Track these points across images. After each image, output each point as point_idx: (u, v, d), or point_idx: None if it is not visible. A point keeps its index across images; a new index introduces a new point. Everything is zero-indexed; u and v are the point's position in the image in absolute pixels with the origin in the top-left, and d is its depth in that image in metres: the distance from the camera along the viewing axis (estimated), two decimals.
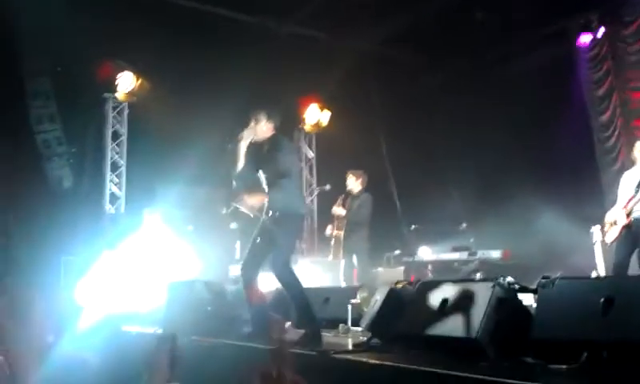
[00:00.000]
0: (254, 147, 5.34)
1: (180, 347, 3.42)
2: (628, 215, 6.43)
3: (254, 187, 5.38)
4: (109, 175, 10.16)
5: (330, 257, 8.42)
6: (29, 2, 8.37)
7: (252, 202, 5.22)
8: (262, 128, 5.34)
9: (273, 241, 5.13)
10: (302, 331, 5.06)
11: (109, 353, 5.73)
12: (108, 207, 10.04)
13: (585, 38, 10.45)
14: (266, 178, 5.28)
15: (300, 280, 5.27)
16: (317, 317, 5.23)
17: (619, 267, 6.33)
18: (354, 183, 8.42)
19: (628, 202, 6.45)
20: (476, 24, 10.07)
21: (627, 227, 6.43)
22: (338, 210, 8.35)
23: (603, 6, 10.08)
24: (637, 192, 6.40)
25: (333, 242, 8.34)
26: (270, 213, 5.21)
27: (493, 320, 3.72)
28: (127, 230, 9.26)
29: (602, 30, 10.23)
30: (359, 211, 8.25)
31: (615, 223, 6.56)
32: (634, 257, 6.43)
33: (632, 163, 6.82)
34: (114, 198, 10.18)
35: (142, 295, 7.97)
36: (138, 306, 7.59)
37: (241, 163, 5.27)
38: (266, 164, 5.28)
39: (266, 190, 5.27)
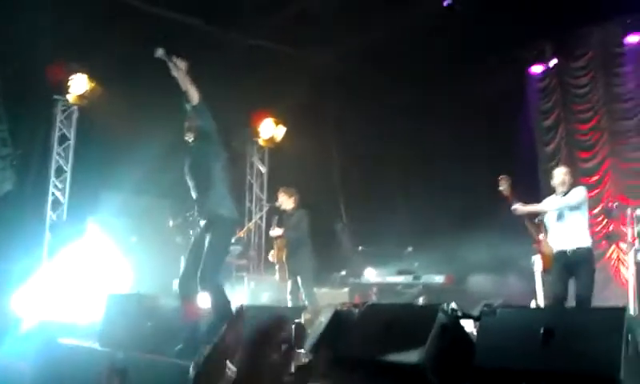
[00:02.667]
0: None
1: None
2: (556, 245, 6.39)
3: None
4: (52, 180, 9.84)
5: (277, 276, 8.27)
6: None
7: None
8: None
9: (201, 249, 5.06)
10: None
11: (43, 364, 5.54)
12: (49, 213, 9.71)
13: (536, 69, 10.75)
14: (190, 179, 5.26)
15: (225, 295, 5.16)
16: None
17: (559, 300, 6.30)
18: (286, 201, 8.23)
19: (556, 235, 6.41)
20: (434, 46, 10.21)
21: (559, 258, 6.38)
22: (275, 232, 8.17)
23: (557, 37, 10.37)
24: (562, 222, 6.35)
25: (277, 266, 8.15)
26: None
27: (436, 347, 3.70)
28: (68, 238, 8.98)
29: (554, 60, 10.53)
30: (297, 228, 8.07)
31: (546, 254, 6.53)
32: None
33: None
34: (56, 203, 9.86)
35: (81, 306, 7.73)
36: (75, 318, 7.34)
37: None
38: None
39: None
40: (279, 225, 8.21)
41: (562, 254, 6.34)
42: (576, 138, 10.46)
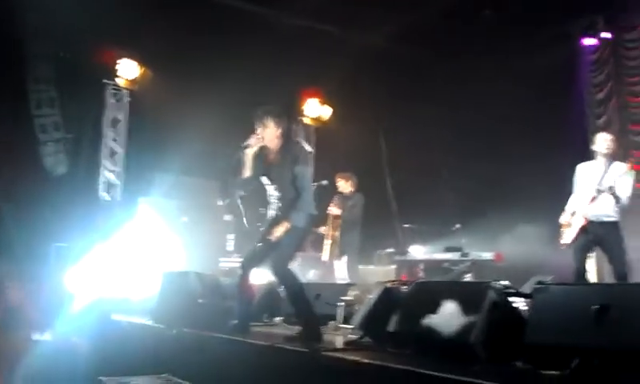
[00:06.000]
0: (261, 154, 5.21)
1: None
2: (585, 217, 6.14)
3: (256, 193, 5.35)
4: (105, 162, 10.10)
5: (325, 256, 8.48)
6: None
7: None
8: (270, 134, 5.16)
9: (275, 245, 5.06)
10: (299, 328, 5.02)
11: (98, 339, 5.74)
12: (103, 194, 9.98)
13: (588, 41, 10.46)
14: (277, 188, 5.19)
15: (299, 279, 5.23)
16: (316, 313, 5.18)
17: (580, 273, 6.14)
18: (344, 185, 8.56)
19: (588, 204, 6.14)
20: (481, 22, 10.03)
21: (584, 230, 6.17)
22: (334, 210, 8.39)
23: (608, 9, 10.06)
24: (598, 192, 6.08)
25: (330, 242, 8.38)
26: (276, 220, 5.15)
27: (486, 324, 3.71)
28: (122, 218, 9.23)
29: (606, 33, 10.22)
30: (352, 211, 8.38)
31: (570, 225, 6.29)
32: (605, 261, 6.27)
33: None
34: (110, 185, 10.13)
35: (134, 284, 7.94)
36: (129, 295, 7.56)
37: (247, 171, 5.14)
38: (277, 173, 5.17)
39: (274, 198, 5.22)
40: (337, 205, 8.45)
41: (590, 224, 6.15)
42: (629, 110, 10.17)
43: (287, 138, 5.31)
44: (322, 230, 8.57)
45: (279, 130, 5.18)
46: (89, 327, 5.93)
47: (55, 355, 5.38)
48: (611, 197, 6.02)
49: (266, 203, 5.32)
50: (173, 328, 5.34)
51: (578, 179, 6.44)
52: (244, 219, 9.13)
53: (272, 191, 5.23)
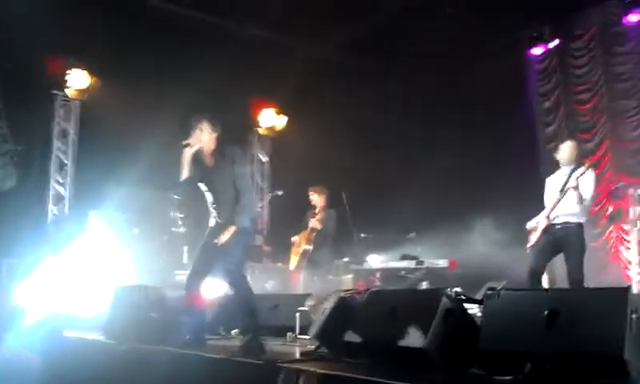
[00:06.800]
0: (198, 157, 5.17)
1: None
2: (549, 218, 6.31)
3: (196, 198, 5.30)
4: (53, 175, 9.85)
5: (292, 265, 8.49)
6: None
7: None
8: (206, 137, 5.16)
9: (223, 251, 5.02)
10: (245, 339, 4.99)
11: (50, 355, 5.58)
12: (52, 208, 9.73)
13: (536, 50, 10.71)
14: (215, 194, 5.15)
15: (251, 289, 5.19)
16: (260, 326, 5.13)
17: (535, 274, 6.24)
18: (317, 199, 8.57)
19: (552, 208, 6.32)
20: (433, 33, 10.20)
21: (547, 232, 6.32)
22: (315, 224, 8.43)
23: (556, 18, 10.33)
24: (560, 196, 6.25)
25: (299, 254, 8.43)
26: (220, 226, 5.10)
27: (441, 331, 3.73)
28: (71, 232, 9.01)
29: (554, 42, 10.49)
30: (327, 225, 8.44)
31: (536, 228, 6.46)
32: (561, 265, 6.38)
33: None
34: (58, 198, 9.88)
35: (86, 299, 7.76)
36: (81, 310, 7.39)
37: (185, 172, 5.11)
38: (216, 177, 5.14)
39: (212, 202, 5.18)
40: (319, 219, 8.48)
41: (552, 226, 6.30)
42: (576, 118, 10.44)
43: (224, 142, 5.29)
44: (293, 239, 8.62)
45: (215, 134, 5.19)
46: (40, 343, 5.77)
47: (6, 370, 5.21)
48: (575, 197, 6.16)
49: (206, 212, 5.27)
50: (124, 343, 5.23)
51: (546, 190, 6.62)
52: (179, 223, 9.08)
53: (210, 198, 5.19)
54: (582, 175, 6.17)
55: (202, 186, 5.22)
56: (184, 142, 5.10)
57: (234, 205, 5.03)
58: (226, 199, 5.08)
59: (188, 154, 5.09)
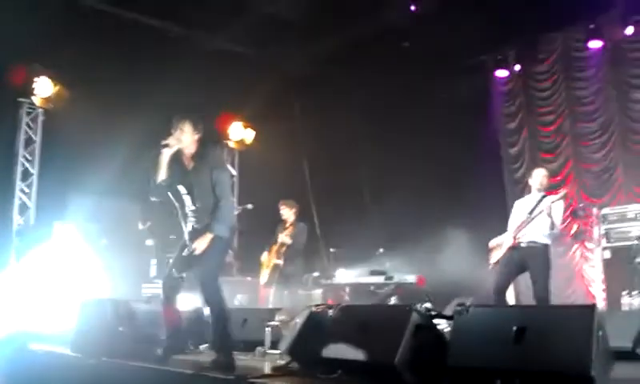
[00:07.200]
0: (178, 159, 4.98)
1: None
2: (515, 238, 6.44)
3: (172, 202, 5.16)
4: (18, 184, 9.66)
5: (263, 280, 8.49)
6: None
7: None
8: (187, 138, 4.95)
9: (199, 259, 4.84)
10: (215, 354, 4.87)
11: (15, 369, 5.47)
12: (16, 218, 9.54)
13: (501, 73, 10.98)
14: (194, 198, 4.98)
15: (225, 301, 4.99)
16: (232, 341, 4.98)
17: (500, 291, 6.35)
18: (288, 213, 8.59)
19: (519, 227, 6.46)
20: (401, 52, 10.36)
21: (513, 250, 6.44)
22: (286, 239, 8.42)
23: (520, 42, 10.59)
24: (529, 217, 6.41)
25: (270, 268, 8.43)
26: (197, 232, 4.94)
27: (410, 346, 3.79)
28: (36, 242, 8.84)
29: (517, 66, 10.78)
30: (297, 239, 8.46)
31: (499, 246, 6.60)
32: (525, 283, 6.52)
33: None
34: (23, 208, 9.69)
35: (51, 313, 7.62)
36: (46, 324, 7.24)
37: (162, 173, 4.90)
38: (195, 180, 4.96)
39: (191, 206, 4.99)
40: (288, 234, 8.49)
41: (519, 246, 6.43)
42: (539, 139, 10.68)
43: (205, 145, 5.09)
44: (263, 256, 8.60)
45: (196, 135, 5.00)
46: (5, 360, 5.65)
47: None
48: (546, 223, 6.31)
49: (182, 217, 5.05)
50: (91, 357, 5.15)
51: (513, 212, 6.78)
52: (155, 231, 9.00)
53: (189, 201, 5.00)
54: (554, 202, 6.35)
55: (181, 189, 5.02)
56: (163, 142, 4.89)
57: (212, 211, 4.86)
58: (205, 205, 4.91)
59: (166, 154, 4.88)
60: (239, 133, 11.76)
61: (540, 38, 10.47)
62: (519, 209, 6.71)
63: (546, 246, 6.39)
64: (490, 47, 10.74)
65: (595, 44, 9.78)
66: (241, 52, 10.59)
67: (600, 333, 3.18)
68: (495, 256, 6.66)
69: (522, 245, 6.43)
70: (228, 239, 5.03)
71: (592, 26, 9.67)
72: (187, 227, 5.01)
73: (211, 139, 5.55)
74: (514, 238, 6.46)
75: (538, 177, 6.67)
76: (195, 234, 4.90)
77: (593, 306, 3.35)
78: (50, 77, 9.54)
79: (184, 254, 4.97)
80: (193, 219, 4.98)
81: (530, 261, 6.36)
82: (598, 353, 3.11)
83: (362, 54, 10.32)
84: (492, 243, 6.75)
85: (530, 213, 6.44)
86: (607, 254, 8.26)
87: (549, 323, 3.38)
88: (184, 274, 5.01)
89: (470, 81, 10.62)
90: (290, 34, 9.83)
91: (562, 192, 6.71)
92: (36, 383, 5.35)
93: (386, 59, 10.44)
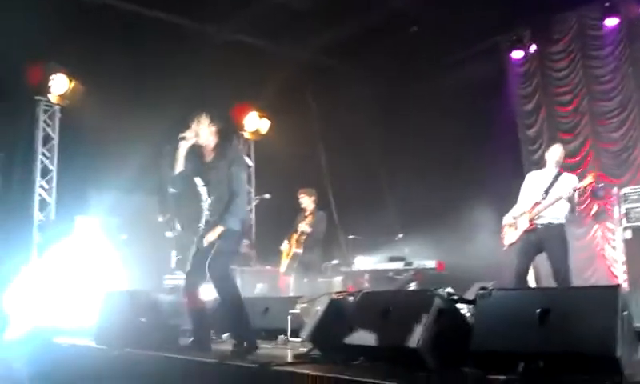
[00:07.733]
0: (196, 151, 5.11)
1: None
2: (531, 220, 6.37)
3: (189, 194, 5.23)
4: (38, 181, 9.76)
5: (283, 268, 8.59)
6: None
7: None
8: (204, 131, 5.09)
9: (209, 251, 4.95)
10: (237, 343, 4.97)
11: (40, 364, 5.55)
12: (37, 214, 9.64)
13: (516, 54, 10.88)
14: (211, 191, 5.08)
15: (239, 291, 5.14)
16: (253, 329, 5.11)
17: (521, 275, 6.32)
18: (307, 202, 8.62)
19: (533, 207, 6.39)
20: (412, 37, 10.30)
21: (529, 232, 6.39)
22: (306, 228, 8.44)
23: (535, 22, 10.48)
24: (544, 197, 6.34)
25: (290, 256, 8.48)
26: (209, 224, 5.04)
27: (433, 331, 3.78)
28: (57, 237, 8.94)
29: (533, 46, 10.66)
30: (317, 228, 8.48)
31: (514, 227, 6.53)
32: (545, 267, 6.46)
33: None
34: (43, 204, 9.79)
35: (74, 306, 7.71)
36: (70, 318, 7.33)
37: (180, 166, 5.05)
38: (212, 174, 5.07)
39: (207, 199, 5.10)
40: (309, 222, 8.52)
41: (535, 227, 6.38)
42: (557, 120, 10.58)
43: (223, 139, 5.23)
44: (283, 244, 8.65)
45: (214, 128, 5.12)
46: (29, 353, 5.73)
47: None
48: (566, 205, 6.27)
49: (199, 209, 5.17)
50: (115, 349, 5.21)
51: (526, 185, 6.70)
52: (176, 223, 9.05)
53: (205, 194, 5.11)
54: (577, 189, 6.28)
55: (199, 181, 5.13)
56: (180, 135, 5.04)
57: (226, 205, 4.96)
58: (220, 198, 5.01)
59: (184, 147, 5.03)
60: (254, 123, 11.76)
61: (555, 17, 10.37)
62: (533, 183, 6.62)
63: (562, 225, 6.34)
64: (505, 29, 10.64)
65: (611, 21, 9.67)
66: (253, 43, 10.58)
67: (625, 313, 3.15)
68: (509, 237, 6.60)
69: (539, 227, 6.36)
70: (239, 232, 5.10)
71: (607, 4, 9.55)
72: (203, 219, 5.11)
73: (230, 130, 5.60)
74: (530, 221, 6.38)
75: (557, 152, 6.57)
76: (209, 227, 5.01)
77: (617, 287, 3.32)
78: (65, 74, 9.60)
79: (198, 245, 5.06)
80: (207, 212, 5.08)
81: (547, 242, 6.31)
82: (623, 333, 3.08)
83: (374, 40, 10.29)
84: (505, 220, 6.68)
85: (546, 192, 6.37)
86: (628, 234, 8.16)
87: (573, 305, 3.35)
88: (203, 266, 5.06)
89: (486, 63, 10.54)
90: (300, 23, 9.80)
91: (589, 178, 6.48)
92: (62, 376, 5.42)
93: (398, 46, 10.40)
